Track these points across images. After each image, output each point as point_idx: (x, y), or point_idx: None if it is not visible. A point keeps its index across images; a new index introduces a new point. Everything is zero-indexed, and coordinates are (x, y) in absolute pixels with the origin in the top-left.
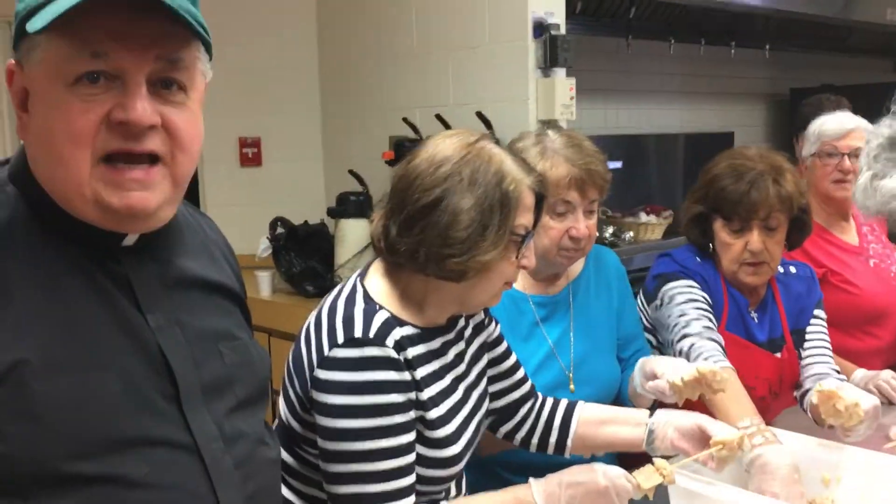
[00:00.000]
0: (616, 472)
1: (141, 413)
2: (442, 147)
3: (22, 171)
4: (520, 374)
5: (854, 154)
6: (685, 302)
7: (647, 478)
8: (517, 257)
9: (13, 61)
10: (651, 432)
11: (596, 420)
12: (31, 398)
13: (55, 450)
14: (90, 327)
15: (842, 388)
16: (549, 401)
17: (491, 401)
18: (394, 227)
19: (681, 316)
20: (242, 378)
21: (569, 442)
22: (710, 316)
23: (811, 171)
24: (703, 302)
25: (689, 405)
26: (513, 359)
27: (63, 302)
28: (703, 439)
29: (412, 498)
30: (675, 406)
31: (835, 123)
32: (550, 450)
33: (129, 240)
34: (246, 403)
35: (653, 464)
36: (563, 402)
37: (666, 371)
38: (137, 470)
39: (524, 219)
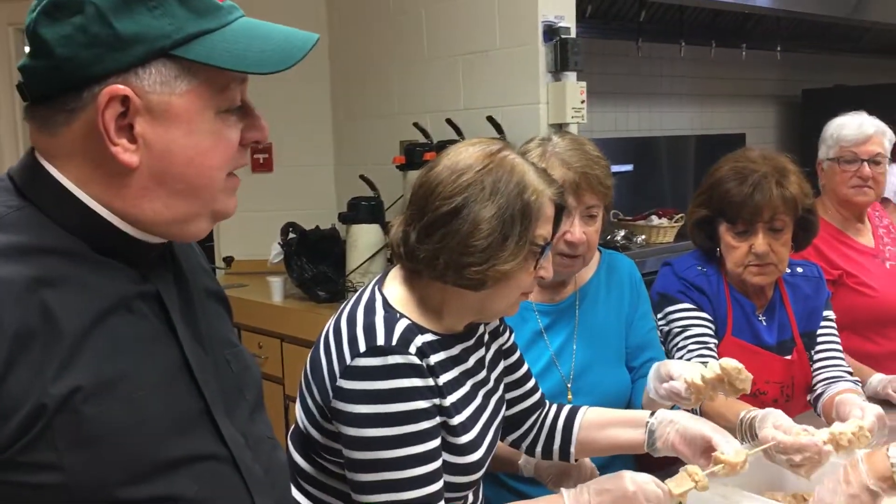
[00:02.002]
0: (645, 477)
1: (183, 431)
2: (464, 156)
3: (44, 190)
4: (531, 383)
5: (873, 160)
6: (679, 333)
7: (678, 484)
8: (535, 268)
9: (119, 86)
10: (651, 433)
11: (597, 424)
12: (84, 424)
13: (110, 476)
14: (131, 347)
15: (838, 427)
16: (553, 407)
17: (507, 407)
18: (413, 234)
19: (677, 350)
20: (247, 384)
21: (571, 448)
22: (707, 339)
23: (829, 175)
24: (699, 325)
25: None
26: (525, 368)
27: (106, 324)
28: (705, 449)
29: (442, 503)
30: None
31: (854, 129)
32: (555, 456)
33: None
34: (255, 408)
35: (686, 470)
36: (566, 409)
37: (683, 371)
38: (188, 488)
39: (544, 230)
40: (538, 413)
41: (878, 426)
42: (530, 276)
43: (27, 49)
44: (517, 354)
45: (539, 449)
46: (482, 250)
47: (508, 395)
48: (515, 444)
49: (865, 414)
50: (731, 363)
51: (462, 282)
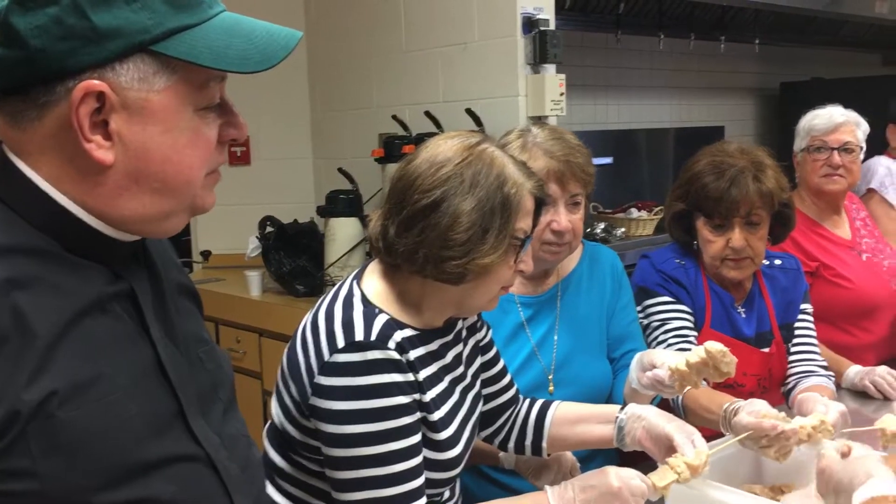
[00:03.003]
0: (629, 472)
1: (158, 432)
2: (443, 148)
3: (14, 188)
4: (506, 380)
5: (844, 148)
6: (658, 327)
7: (661, 477)
8: (515, 261)
9: (94, 82)
10: (620, 430)
11: (568, 420)
12: (59, 429)
13: (86, 482)
14: (105, 349)
15: (798, 422)
16: (526, 402)
17: (484, 402)
18: (392, 228)
19: (656, 344)
20: (221, 381)
21: (543, 443)
22: (686, 332)
23: (802, 166)
24: (678, 318)
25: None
26: (500, 365)
27: (79, 326)
28: (669, 447)
29: (424, 499)
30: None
31: (824, 118)
32: (527, 452)
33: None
34: (229, 406)
35: (667, 463)
36: (538, 403)
37: (666, 359)
38: (165, 490)
39: (524, 223)
40: (512, 409)
41: (841, 422)
42: (510, 270)
43: None
44: (494, 351)
45: (511, 445)
46: (462, 244)
47: (484, 392)
48: (488, 440)
49: (829, 410)
50: (715, 346)
51: (442, 276)
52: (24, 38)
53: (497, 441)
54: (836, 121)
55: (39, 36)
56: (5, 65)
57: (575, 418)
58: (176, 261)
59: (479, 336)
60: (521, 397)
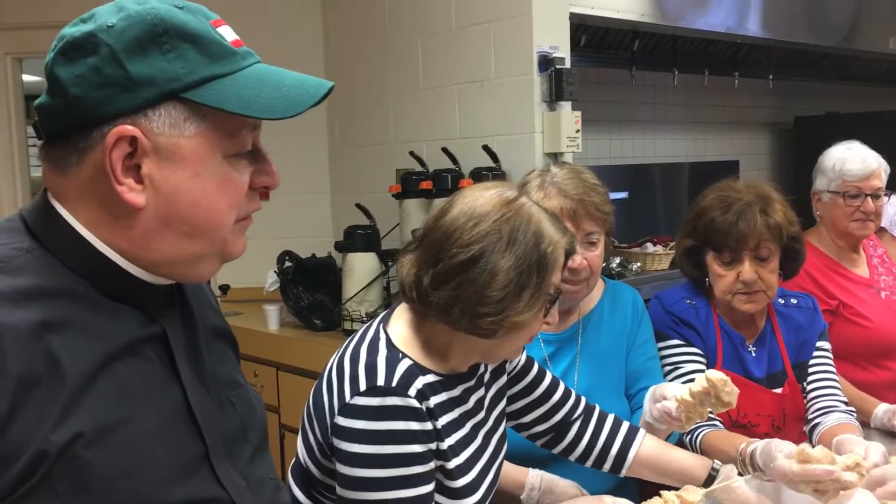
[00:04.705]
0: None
1: (184, 475)
2: (481, 202)
3: (54, 232)
4: (559, 394)
5: (875, 194)
6: (671, 372)
7: None
8: (545, 316)
9: (127, 127)
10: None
11: (651, 466)
12: (84, 470)
13: None
14: (134, 392)
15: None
16: (608, 421)
17: (538, 424)
18: (426, 278)
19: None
20: (252, 425)
21: (624, 471)
22: (699, 376)
23: (829, 207)
24: (691, 362)
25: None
26: (546, 381)
27: (110, 369)
28: None
29: None
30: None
31: (858, 163)
32: (606, 469)
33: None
34: (259, 449)
35: (662, 496)
36: (623, 431)
37: (675, 391)
38: None
39: (556, 278)
40: (582, 420)
41: (882, 462)
42: (540, 323)
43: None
44: (532, 373)
45: (590, 463)
46: (498, 301)
47: (538, 412)
48: (564, 454)
49: (869, 454)
50: (716, 375)
51: (476, 331)
52: (65, 86)
53: (574, 457)
54: (871, 167)
55: (79, 84)
56: (49, 112)
57: (658, 468)
58: (213, 304)
59: (505, 374)
60: (593, 406)
